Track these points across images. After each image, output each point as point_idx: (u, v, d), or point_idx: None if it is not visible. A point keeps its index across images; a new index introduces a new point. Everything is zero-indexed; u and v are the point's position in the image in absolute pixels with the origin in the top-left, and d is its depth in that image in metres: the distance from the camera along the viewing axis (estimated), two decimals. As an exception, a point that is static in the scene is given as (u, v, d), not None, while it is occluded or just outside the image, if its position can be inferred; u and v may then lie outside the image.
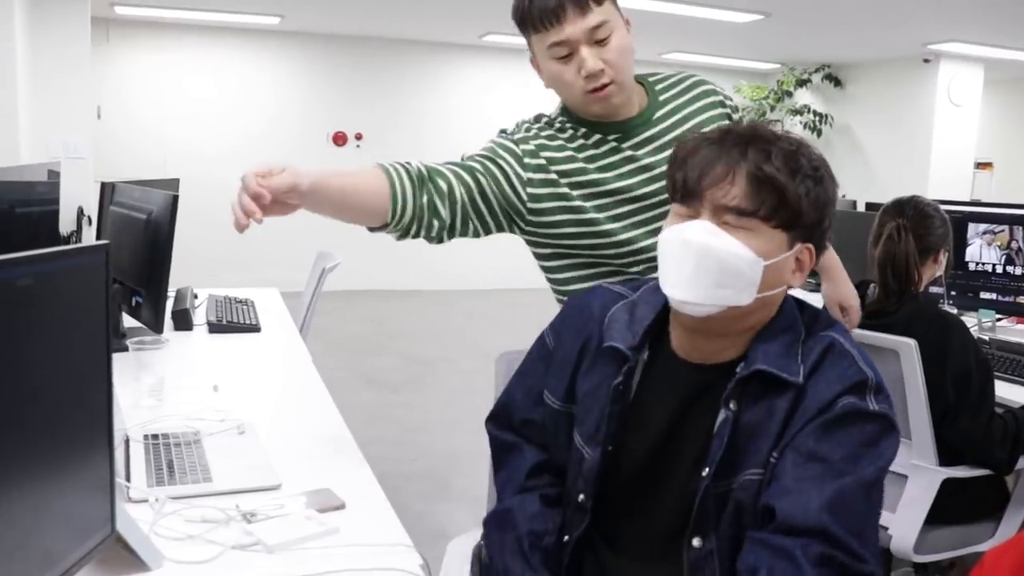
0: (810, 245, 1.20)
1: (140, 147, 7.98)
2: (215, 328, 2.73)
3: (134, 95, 7.96)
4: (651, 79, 1.74)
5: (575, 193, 1.63)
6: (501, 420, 1.47)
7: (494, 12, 7.14)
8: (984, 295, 3.09)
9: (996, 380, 2.33)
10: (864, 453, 1.10)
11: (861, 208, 6.21)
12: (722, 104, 1.76)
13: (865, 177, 8.92)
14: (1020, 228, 2.99)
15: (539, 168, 1.62)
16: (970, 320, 3.05)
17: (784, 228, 1.16)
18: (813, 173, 1.16)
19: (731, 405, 1.15)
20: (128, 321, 2.53)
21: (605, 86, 1.57)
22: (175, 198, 2.26)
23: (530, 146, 1.63)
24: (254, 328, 2.77)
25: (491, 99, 9.07)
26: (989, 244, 3.07)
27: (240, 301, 3.09)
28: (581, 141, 1.66)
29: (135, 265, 2.41)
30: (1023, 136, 9.99)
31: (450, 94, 8.96)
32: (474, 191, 1.59)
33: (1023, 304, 3.01)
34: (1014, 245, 3.01)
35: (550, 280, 1.76)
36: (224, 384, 2.11)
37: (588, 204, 1.63)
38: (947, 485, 2.17)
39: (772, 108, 9.57)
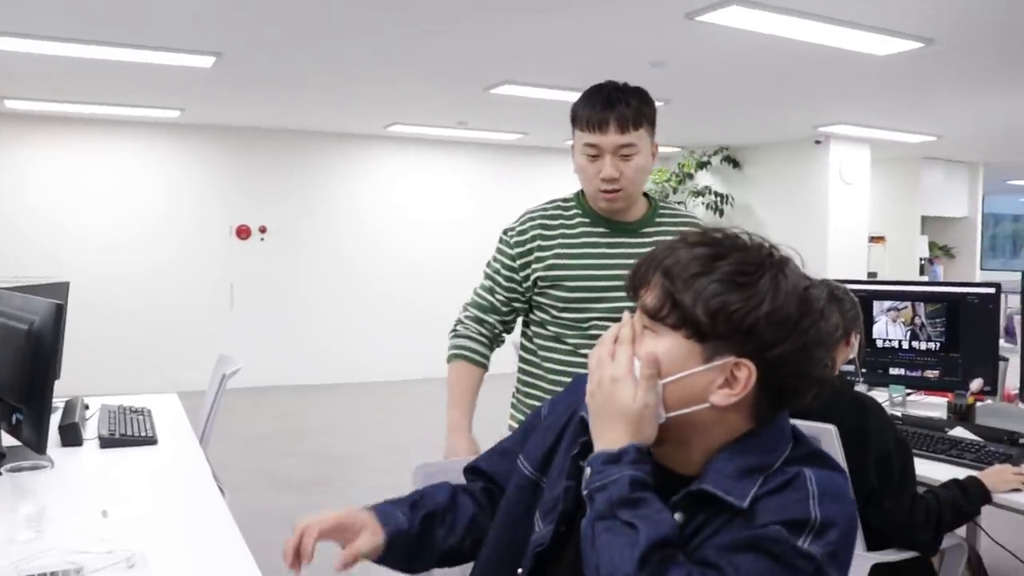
0: (746, 361, 1.06)
1: (36, 240, 7.67)
2: (107, 442, 2.54)
3: (29, 188, 7.67)
4: (661, 204, 2.17)
5: (550, 261, 2.06)
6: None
7: (398, 104, 7.19)
8: (893, 371, 3.14)
9: (914, 458, 2.36)
10: None
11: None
12: None
13: (767, 254, 9.18)
14: (922, 304, 3.06)
15: (527, 250, 2.10)
16: (881, 396, 3.09)
17: (696, 339, 1.07)
18: (731, 278, 1.05)
19: (675, 515, 1.07)
20: (8, 440, 2.33)
21: (616, 191, 1.98)
22: (59, 307, 2.10)
23: (524, 236, 2.11)
24: (150, 440, 2.59)
25: (400, 185, 9.07)
26: (894, 321, 3.14)
27: (136, 411, 2.90)
28: (579, 219, 2.10)
29: (15, 379, 2.23)
30: (910, 210, 10.49)
31: (358, 183, 8.92)
32: (501, 305, 2.16)
33: (930, 378, 3.06)
34: (917, 321, 3.08)
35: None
36: (115, 507, 1.93)
37: (557, 272, 2.05)
38: (876, 570, 2.14)
39: (675, 190, 9.84)
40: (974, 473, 2.27)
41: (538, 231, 2.09)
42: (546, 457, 1.28)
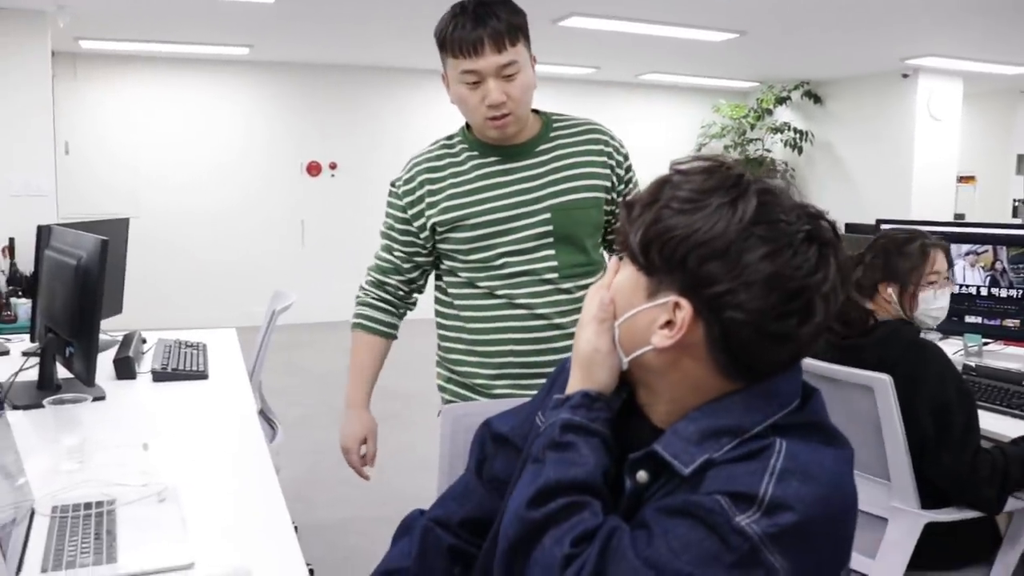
0: (683, 300, 0.93)
1: (110, 180, 7.84)
2: (159, 376, 2.58)
3: (103, 128, 7.83)
4: (553, 116, 1.97)
5: (444, 204, 1.90)
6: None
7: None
8: (969, 319, 2.97)
9: (982, 412, 2.22)
10: (686, 565, 0.88)
11: (841, 230, 6.08)
12: (608, 154, 1.94)
13: (848, 193, 8.85)
14: (1004, 248, 2.87)
15: (417, 197, 1.94)
16: (955, 345, 2.93)
17: (644, 271, 0.97)
18: (679, 204, 0.93)
19: (638, 476, 0.99)
20: (64, 372, 2.38)
21: (504, 115, 1.80)
22: (104, 243, 2.11)
23: (412, 184, 1.95)
24: (201, 375, 2.62)
25: (468, 124, 8.95)
26: (972, 265, 2.95)
27: (191, 345, 2.94)
28: (467, 154, 1.93)
29: (66, 313, 2.27)
30: (1004, 148, 9.94)
31: (426, 117, 8.80)
32: (402, 263, 2.00)
33: (1010, 328, 2.88)
34: (998, 266, 2.89)
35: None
36: (159, 440, 1.96)
37: (453, 215, 1.89)
38: (931, 528, 2.03)
39: (752, 127, 9.51)
40: (1051, 429, 2.13)
41: (425, 176, 1.93)
42: None
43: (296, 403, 5.46)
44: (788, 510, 0.88)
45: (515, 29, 1.77)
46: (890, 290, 2.25)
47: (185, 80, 8.05)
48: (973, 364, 2.73)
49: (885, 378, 1.96)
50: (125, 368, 2.58)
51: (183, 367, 2.64)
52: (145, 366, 2.70)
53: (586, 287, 1.88)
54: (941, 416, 2.01)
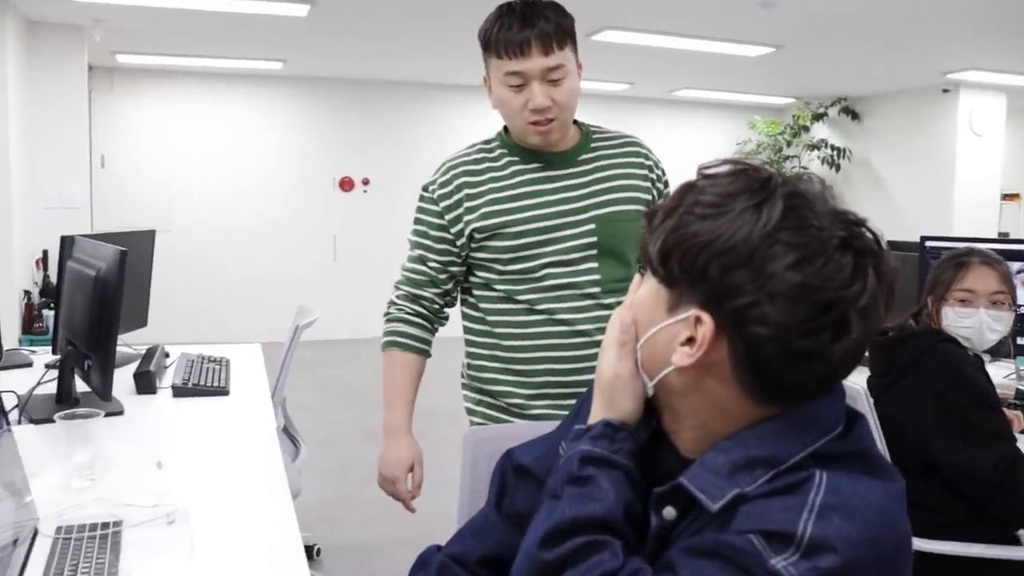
0: (704, 314, 0.85)
1: (144, 194, 7.91)
2: (179, 392, 2.52)
3: (138, 142, 7.90)
4: (592, 128, 1.89)
5: (485, 209, 1.79)
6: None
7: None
8: (1021, 340, 2.83)
9: None
10: None
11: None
12: (649, 168, 1.87)
13: (887, 211, 8.66)
14: (1056, 266, 2.74)
15: (455, 201, 1.82)
16: (1004, 370, 2.81)
17: (665, 284, 0.89)
18: (702, 209, 0.85)
19: (664, 513, 0.90)
20: (83, 386, 2.34)
21: (549, 121, 1.72)
22: (123, 254, 2.06)
23: (449, 188, 1.83)
24: (222, 391, 2.56)
25: (501, 139, 8.91)
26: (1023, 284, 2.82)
27: (214, 360, 2.89)
28: (508, 159, 1.83)
29: (85, 326, 2.22)
30: (1050, 165, 9.70)
31: (458, 134, 8.79)
32: (438, 274, 1.86)
33: (1063, 348, 2.74)
34: (1051, 285, 2.76)
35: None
36: (174, 458, 1.90)
37: (492, 222, 1.79)
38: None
39: (788, 143, 9.37)
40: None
41: (463, 179, 1.82)
42: None
43: (323, 420, 5.42)
44: (830, 551, 0.78)
45: (564, 32, 1.70)
46: (928, 300, 2.22)
47: (219, 94, 8.11)
48: (1027, 388, 2.60)
49: (859, 388, 1.94)
50: (145, 382, 2.53)
51: (204, 383, 2.59)
52: (166, 381, 2.65)
53: None
54: (954, 415, 1.99)
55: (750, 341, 0.82)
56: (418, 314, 1.88)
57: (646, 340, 0.92)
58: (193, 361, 2.82)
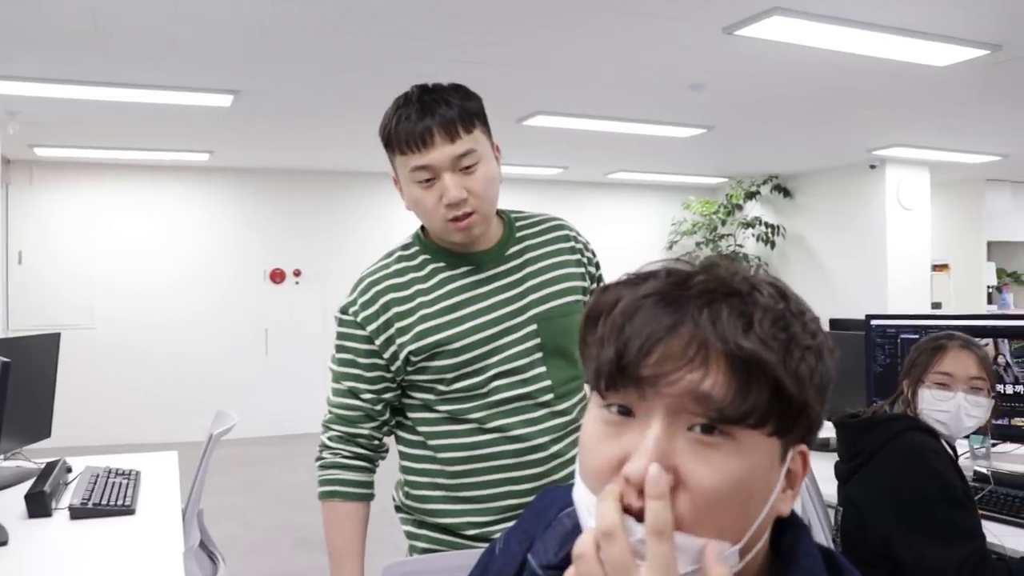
0: (804, 447, 0.75)
1: (65, 290, 7.57)
2: (78, 513, 2.27)
3: (60, 236, 7.59)
4: (512, 214, 1.73)
5: (419, 328, 1.59)
6: None
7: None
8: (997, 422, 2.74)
9: (1001, 527, 2.08)
10: None
11: (825, 326, 5.93)
12: (580, 252, 1.74)
13: (824, 286, 8.74)
14: (1006, 341, 2.66)
15: (384, 322, 1.61)
16: (961, 446, 2.70)
17: (781, 433, 0.71)
18: (812, 341, 0.72)
19: None
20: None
21: (467, 215, 1.54)
22: (4, 365, 1.85)
23: (374, 308, 1.61)
24: (127, 510, 2.31)
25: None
26: (972, 360, 2.74)
27: (122, 473, 2.64)
28: (432, 266, 1.63)
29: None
30: (975, 236, 9.94)
31: (390, 222, 8.71)
32: (373, 406, 1.64)
33: (1021, 427, 2.65)
34: (1001, 360, 2.68)
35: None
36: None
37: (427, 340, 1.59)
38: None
39: (723, 222, 9.46)
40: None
41: (389, 296, 1.60)
42: None
43: (253, 526, 5.09)
44: None
45: (469, 115, 1.53)
46: (904, 384, 2.15)
47: (145, 187, 7.88)
48: (985, 470, 2.49)
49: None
50: (37, 505, 2.27)
51: (107, 501, 2.34)
52: (65, 500, 2.39)
53: (579, 404, 1.65)
54: (916, 508, 1.86)
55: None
56: (356, 456, 1.65)
57: (762, 520, 0.71)
58: (98, 476, 2.57)
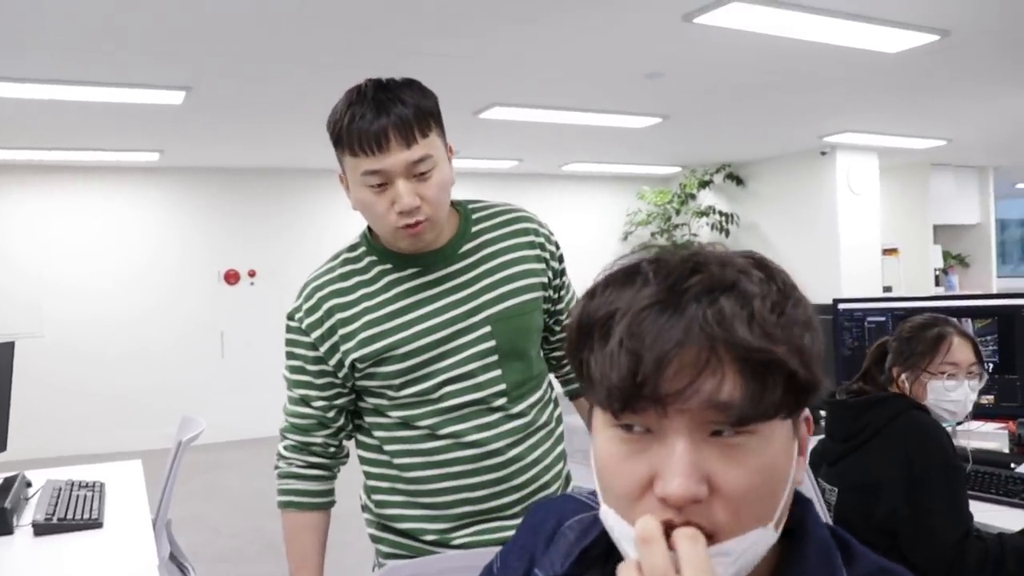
0: (807, 412, 0.75)
1: (15, 291, 7.35)
2: (42, 529, 2.19)
3: (9, 239, 7.37)
4: (471, 206, 1.66)
5: (363, 335, 1.53)
6: None
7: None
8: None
9: (975, 503, 2.09)
10: None
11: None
12: (540, 246, 1.65)
13: (778, 272, 8.84)
14: (969, 321, 2.71)
15: (328, 329, 1.56)
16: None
17: (791, 412, 0.71)
18: (805, 314, 0.71)
19: None
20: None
21: (419, 223, 1.46)
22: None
23: (318, 314, 1.56)
24: (94, 524, 2.24)
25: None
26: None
27: (86, 486, 2.56)
28: (378, 268, 1.57)
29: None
30: (921, 219, 10.15)
31: (346, 219, 8.60)
32: (325, 413, 1.59)
33: (984, 405, 2.68)
34: (967, 340, 2.72)
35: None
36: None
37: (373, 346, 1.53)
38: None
39: (677, 212, 9.52)
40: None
41: (332, 301, 1.55)
42: None
43: (218, 532, 4.99)
44: None
45: (425, 116, 1.44)
46: (903, 376, 2.15)
47: (93, 188, 7.65)
48: (966, 449, 2.53)
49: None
50: None
51: (73, 516, 2.26)
52: (27, 517, 2.30)
53: (536, 405, 1.61)
54: (925, 482, 1.90)
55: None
56: (312, 465, 1.60)
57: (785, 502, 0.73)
58: (60, 489, 2.48)
